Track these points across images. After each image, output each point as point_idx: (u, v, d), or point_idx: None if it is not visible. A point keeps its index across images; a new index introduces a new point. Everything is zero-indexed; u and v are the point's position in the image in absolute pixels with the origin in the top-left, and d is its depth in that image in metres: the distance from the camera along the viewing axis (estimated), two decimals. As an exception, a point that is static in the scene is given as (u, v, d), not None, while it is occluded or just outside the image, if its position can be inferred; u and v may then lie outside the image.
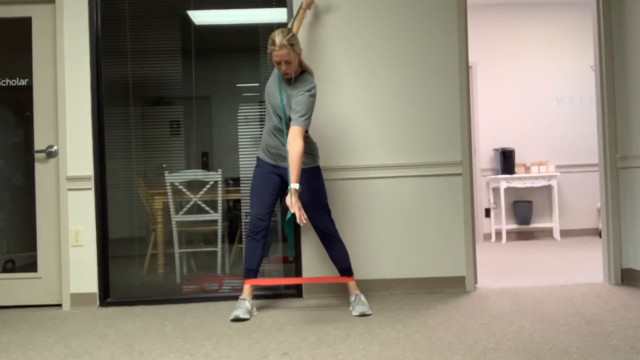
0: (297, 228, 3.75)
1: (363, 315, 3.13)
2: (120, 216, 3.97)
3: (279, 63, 3.08)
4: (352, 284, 3.35)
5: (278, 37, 3.03)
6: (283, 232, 4.06)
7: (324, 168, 3.76)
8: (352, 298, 3.28)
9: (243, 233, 4.00)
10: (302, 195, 3.21)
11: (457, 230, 3.77)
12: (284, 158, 3.25)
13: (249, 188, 3.94)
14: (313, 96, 3.14)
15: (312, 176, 3.29)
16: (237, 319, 3.12)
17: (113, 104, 3.91)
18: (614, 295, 3.44)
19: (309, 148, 3.29)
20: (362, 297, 3.26)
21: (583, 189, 6.90)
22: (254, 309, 3.30)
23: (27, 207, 3.87)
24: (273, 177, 3.31)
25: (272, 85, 3.26)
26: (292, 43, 3.05)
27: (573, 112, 6.94)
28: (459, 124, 3.78)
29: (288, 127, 3.16)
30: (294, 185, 2.93)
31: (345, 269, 3.35)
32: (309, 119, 3.09)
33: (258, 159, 3.39)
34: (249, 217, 3.34)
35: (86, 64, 3.76)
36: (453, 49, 3.79)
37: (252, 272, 3.29)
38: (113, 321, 3.26)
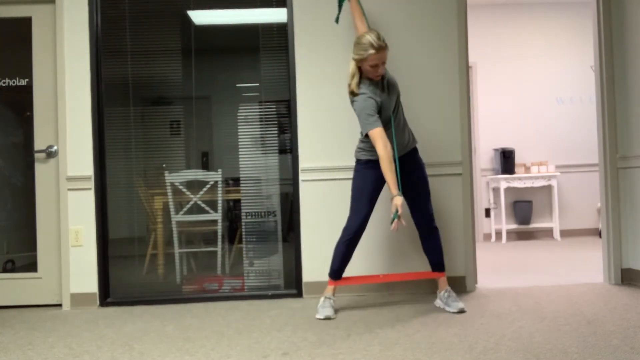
0: (298, 229, 3.75)
1: (462, 312, 3.11)
2: (120, 216, 3.97)
3: (376, 66, 3.01)
4: (442, 279, 3.32)
5: (373, 39, 2.97)
6: (283, 233, 4.06)
7: (325, 168, 3.76)
8: (445, 294, 3.25)
9: (243, 233, 4.00)
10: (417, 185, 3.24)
11: (457, 230, 3.77)
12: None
13: (248, 188, 3.96)
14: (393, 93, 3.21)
15: (416, 163, 3.28)
16: (328, 318, 3.11)
17: (113, 104, 3.91)
18: (614, 295, 3.44)
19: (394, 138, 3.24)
20: (454, 294, 3.26)
21: (583, 189, 6.90)
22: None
23: (27, 207, 3.87)
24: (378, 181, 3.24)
25: (379, 101, 3.09)
26: (386, 43, 3.03)
27: (573, 112, 6.93)
28: (459, 123, 3.78)
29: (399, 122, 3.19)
30: (397, 193, 2.93)
31: (438, 264, 3.31)
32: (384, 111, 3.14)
33: (370, 160, 3.22)
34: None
35: (86, 64, 3.76)
36: (453, 49, 3.79)
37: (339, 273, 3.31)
38: (113, 321, 3.26)
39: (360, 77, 3.11)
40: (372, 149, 3.11)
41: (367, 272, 3.74)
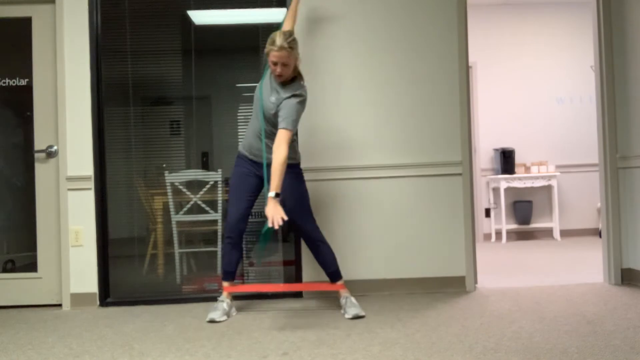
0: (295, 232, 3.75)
1: (357, 317, 3.08)
2: (120, 216, 3.97)
3: (275, 64, 3.06)
4: (341, 288, 3.31)
5: (279, 38, 3.02)
6: (283, 233, 4.06)
7: (326, 168, 3.76)
8: (343, 301, 3.23)
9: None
10: (286, 201, 3.13)
11: (457, 230, 3.77)
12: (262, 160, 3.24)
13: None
14: (301, 103, 3.11)
15: (296, 177, 3.26)
16: (212, 321, 3.11)
17: (113, 104, 3.91)
18: (614, 295, 3.44)
19: (293, 151, 3.25)
20: (353, 299, 3.22)
21: (583, 189, 6.90)
22: (233, 310, 3.30)
23: (27, 207, 3.87)
24: (252, 179, 3.28)
25: (264, 87, 3.21)
26: (292, 47, 3.04)
27: (573, 112, 6.94)
28: (459, 124, 3.78)
29: (271, 130, 3.17)
30: (272, 194, 2.90)
31: (333, 272, 3.29)
32: (295, 122, 3.06)
33: (238, 157, 3.33)
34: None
35: (86, 64, 3.76)
36: (453, 49, 3.79)
37: (230, 275, 3.31)
38: (113, 321, 3.26)
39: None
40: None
41: (369, 272, 3.75)
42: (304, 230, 3.25)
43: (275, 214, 2.83)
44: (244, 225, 3.26)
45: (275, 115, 3.12)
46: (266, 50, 3.07)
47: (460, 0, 3.78)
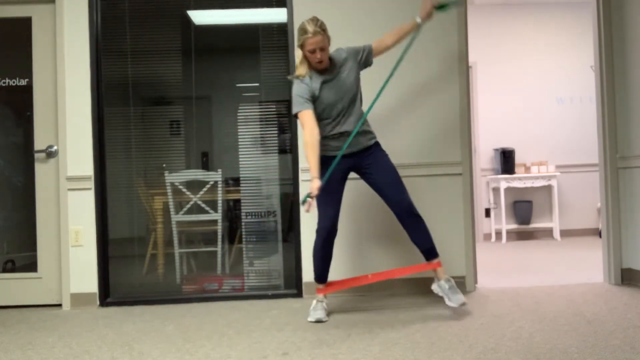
0: (298, 229, 3.75)
1: (463, 305, 3.00)
2: (120, 216, 3.97)
3: (314, 51, 2.97)
4: (439, 269, 3.13)
5: (309, 25, 2.96)
6: (283, 233, 4.06)
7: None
8: (446, 285, 3.07)
9: (243, 233, 4.00)
10: (382, 176, 3.10)
11: (457, 230, 3.77)
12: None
13: (248, 188, 3.94)
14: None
15: (382, 153, 3.21)
16: (319, 321, 3.05)
17: (113, 104, 3.91)
18: (614, 295, 3.44)
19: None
20: (455, 285, 3.09)
21: (583, 189, 6.90)
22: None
23: (27, 207, 3.87)
24: (334, 176, 3.11)
25: (314, 88, 3.04)
26: (324, 29, 2.99)
27: (573, 112, 6.93)
28: (459, 124, 3.78)
29: (355, 108, 3.13)
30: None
31: (430, 249, 3.12)
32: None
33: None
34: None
35: (86, 64, 3.76)
36: (453, 49, 3.78)
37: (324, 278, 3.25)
38: (113, 321, 3.26)
39: (310, 67, 3.09)
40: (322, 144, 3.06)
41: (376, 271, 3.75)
42: (399, 203, 3.10)
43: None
44: (335, 226, 3.13)
45: (350, 91, 3.10)
46: (299, 42, 2.99)
47: (460, 0, 3.78)
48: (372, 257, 3.77)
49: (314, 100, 3.04)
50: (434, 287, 3.20)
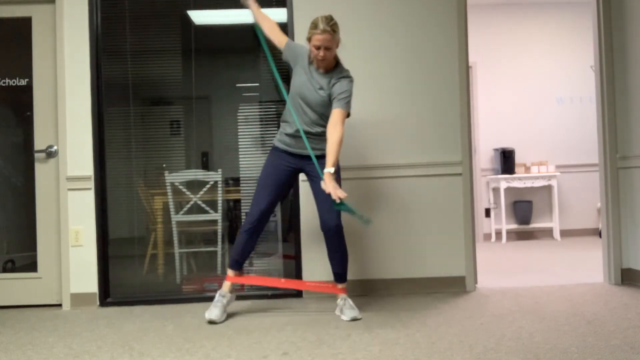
0: (297, 229, 3.75)
1: (354, 319, 3.04)
2: (120, 216, 3.97)
3: (319, 48, 3.01)
4: (341, 288, 3.23)
5: (322, 22, 3.00)
6: (283, 233, 4.06)
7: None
8: (341, 302, 3.17)
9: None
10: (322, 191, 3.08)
11: (457, 230, 3.77)
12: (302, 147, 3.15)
13: (249, 188, 3.94)
14: (352, 83, 3.12)
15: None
16: (211, 322, 3.06)
17: (113, 104, 3.91)
18: (614, 295, 3.44)
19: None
20: (350, 301, 3.17)
21: (583, 189, 6.90)
22: (233, 298, 3.26)
23: (27, 207, 3.87)
24: (286, 172, 3.18)
25: (305, 78, 3.13)
26: (335, 30, 3.02)
27: (573, 112, 6.94)
28: (459, 124, 3.78)
29: (317, 118, 3.13)
30: (330, 169, 2.89)
31: (342, 275, 3.21)
32: (349, 103, 3.07)
33: (274, 149, 3.23)
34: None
35: (86, 64, 3.76)
36: (453, 49, 3.79)
37: (238, 265, 3.23)
38: (113, 321, 3.26)
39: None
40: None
41: (373, 273, 3.75)
42: (334, 222, 3.10)
43: (335, 189, 2.83)
44: (267, 216, 3.16)
45: (323, 103, 3.10)
46: (308, 35, 3.05)
47: (460, 0, 3.78)
48: (369, 258, 3.77)
49: (294, 63, 3.19)
50: (336, 310, 3.22)
